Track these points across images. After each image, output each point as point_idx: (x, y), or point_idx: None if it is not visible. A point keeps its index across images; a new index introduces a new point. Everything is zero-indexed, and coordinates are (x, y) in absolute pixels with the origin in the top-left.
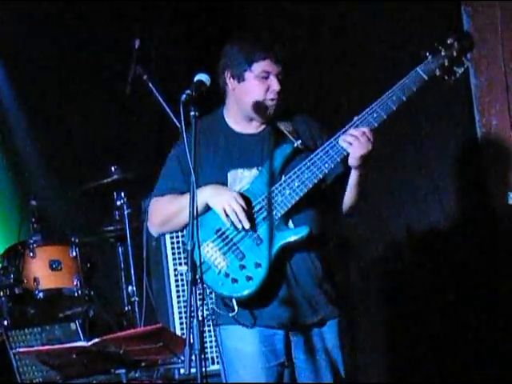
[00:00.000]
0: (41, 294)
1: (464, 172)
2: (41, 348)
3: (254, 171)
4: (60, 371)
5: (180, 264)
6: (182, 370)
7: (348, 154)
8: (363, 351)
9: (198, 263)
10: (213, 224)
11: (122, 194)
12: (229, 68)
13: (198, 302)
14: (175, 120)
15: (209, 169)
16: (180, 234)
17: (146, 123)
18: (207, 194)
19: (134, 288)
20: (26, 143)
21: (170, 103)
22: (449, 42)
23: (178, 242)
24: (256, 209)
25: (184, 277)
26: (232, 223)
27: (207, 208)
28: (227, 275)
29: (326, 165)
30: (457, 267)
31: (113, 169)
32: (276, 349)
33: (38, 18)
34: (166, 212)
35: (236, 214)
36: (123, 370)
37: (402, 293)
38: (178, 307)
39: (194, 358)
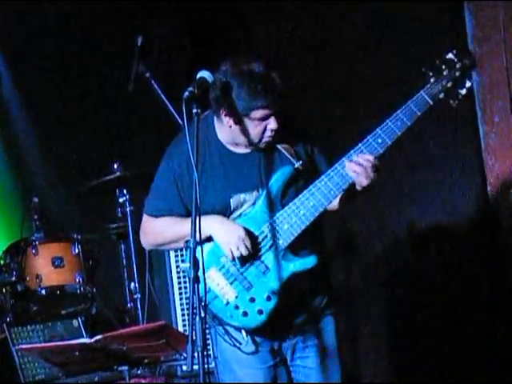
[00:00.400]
0: (43, 291)
1: (466, 170)
2: (43, 345)
3: (255, 194)
4: (62, 368)
5: (182, 261)
6: (184, 367)
7: (353, 182)
8: (364, 351)
9: (200, 261)
10: (217, 251)
11: (125, 191)
12: (224, 108)
13: (201, 299)
14: (177, 117)
15: (210, 193)
16: None
17: (148, 120)
18: (213, 228)
19: (137, 285)
20: (28, 141)
21: (173, 100)
22: (449, 57)
23: None
24: (261, 238)
25: (186, 274)
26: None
27: (211, 237)
28: (237, 307)
29: (332, 192)
30: (459, 266)
31: (115, 166)
32: (273, 349)
33: (39, 16)
34: (162, 236)
35: (241, 253)
36: (126, 367)
37: (403, 292)
38: (181, 304)
39: (196, 354)
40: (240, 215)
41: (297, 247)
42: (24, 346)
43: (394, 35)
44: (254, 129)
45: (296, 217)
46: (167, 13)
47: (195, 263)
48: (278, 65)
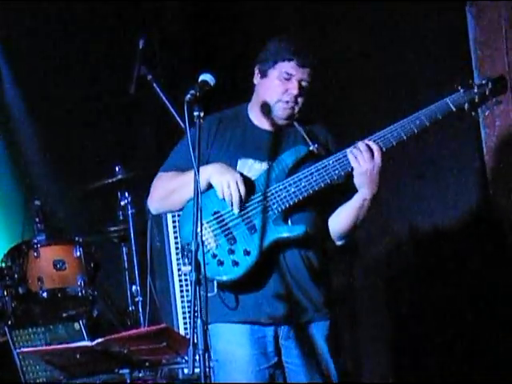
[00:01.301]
0: (45, 294)
1: (467, 172)
2: (45, 348)
3: (265, 165)
4: (64, 371)
5: (184, 264)
6: (185, 370)
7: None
8: (365, 352)
9: (202, 263)
10: (212, 206)
11: (126, 194)
12: (258, 63)
13: (202, 302)
14: (179, 120)
15: (220, 153)
16: None
17: (150, 123)
18: (211, 171)
19: (138, 288)
20: (30, 143)
21: (175, 103)
22: (483, 82)
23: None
24: (257, 199)
25: (188, 277)
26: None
27: (208, 187)
28: (214, 256)
29: (337, 171)
30: (460, 267)
31: (117, 169)
32: (267, 352)
33: (41, 18)
34: (167, 186)
35: (231, 195)
36: (127, 370)
37: (404, 293)
38: (182, 307)
39: (197, 357)
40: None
41: (286, 218)
42: (25, 349)
43: (395, 38)
44: (276, 87)
45: (296, 188)
46: (169, 15)
47: (197, 266)
48: None
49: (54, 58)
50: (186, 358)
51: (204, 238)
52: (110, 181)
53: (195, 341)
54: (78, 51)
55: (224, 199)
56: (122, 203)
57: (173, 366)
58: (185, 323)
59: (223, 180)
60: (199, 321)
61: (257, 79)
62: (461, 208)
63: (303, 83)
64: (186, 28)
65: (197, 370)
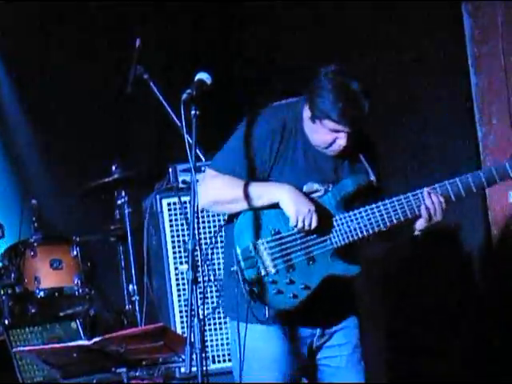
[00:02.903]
0: (41, 293)
1: (464, 172)
2: (42, 347)
3: (325, 189)
4: (61, 370)
5: (181, 263)
6: (182, 369)
7: (418, 216)
8: (365, 352)
9: (199, 262)
10: (272, 224)
11: (123, 193)
12: (309, 100)
13: (199, 301)
14: (176, 119)
15: (284, 169)
16: (181, 232)
17: (146, 122)
18: (284, 195)
19: (135, 287)
20: (26, 142)
21: (171, 102)
22: None
23: (178, 241)
24: (320, 229)
25: (185, 275)
26: (295, 232)
27: (273, 205)
28: (274, 282)
29: (397, 216)
30: (458, 268)
31: (114, 168)
32: (300, 352)
33: (37, 19)
34: (224, 194)
35: (305, 228)
36: (124, 369)
37: (402, 294)
38: (179, 306)
39: (194, 356)
40: None
41: (342, 253)
42: (22, 348)
43: (392, 36)
44: (324, 135)
45: (357, 225)
46: (166, 14)
47: (194, 265)
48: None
49: (51, 56)
50: (183, 356)
51: (263, 258)
52: (106, 180)
53: (192, 340)
54: (74, 49)
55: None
56: (119, 202)
57: (170, 365)
58: (182, 322)
59: (300, 211)
60: (196, 319)
61: (306, 113)
62: (457, 209)
63: (350, 134)
64: (184, 27)
65: (194, 369)
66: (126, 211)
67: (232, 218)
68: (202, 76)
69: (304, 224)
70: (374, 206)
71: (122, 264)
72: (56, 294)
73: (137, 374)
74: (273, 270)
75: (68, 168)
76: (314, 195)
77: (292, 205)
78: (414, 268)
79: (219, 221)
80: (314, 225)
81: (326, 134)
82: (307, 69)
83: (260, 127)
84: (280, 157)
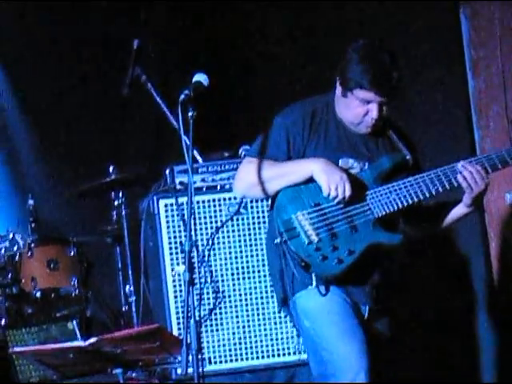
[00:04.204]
0: (38, 294)
1: None
2: (38, 347)
3: (363, 166)
4: (57, 371)
5: (177, 264)
6: (179, 370)
7: (456, 186)
8: None
9: (195, 264)
10: (312, 198)
11: (120, 194)
12: (339, 76)
13: (196, 302)
14: (173, 120)
15: (317, 149)
16: (178, 234)
17: (144, 123)
18: (316, 167)
19: (132, 288)
20: (23, 142)
21: (168, 103)
22: None
23: (175, 243)
24: (359, 200)
25: (181, 277)
26: (335, 204)
27: (308, 180)
28: (318, 249)
29: (436, 187)
30: (453, 270)
31: (111, 169)
32: (358, 308)
33: (35, 18)
34: (257, 175)
35: (339, 195)
36: (120, 370)
37: (399, 295)
38: (176, 307)
39: (191, 358)
40: None
41: (383, 223)
42: (19, 349)
43: (390, 40)
44: (355, 109)
45: (396, 196)
46: (163, 16)
47: (190, 266)
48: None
49: (48, 58)
50: (179, 358)
51: (305, 228)
52: (103, 181)
53: (188, 341)
54: (71, 51)
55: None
56: (116, 203)
57: (166, 366)
58: (178, 323)
59: (331, 179)
60: (192, 321)
61: (338, 90)
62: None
63: (383, 105)
64: (181, 28)
65: (190, 370)
66: (123, 212)
67: (273, 205)
68: (200, 77)
69: (337, 192)
70: (411, 178)
71: (119, 265)
72: (52, 294)
73: (133, 374)
74: (316, 238)
75: (65, 169)
76: (352, 171)
77: (323, 174)
78: (410, 271)
79: (216, 222)
80: (347, 192)
81: (358, 107)
82: (308, 71)
83: (291, 114)
84: (313, 139)
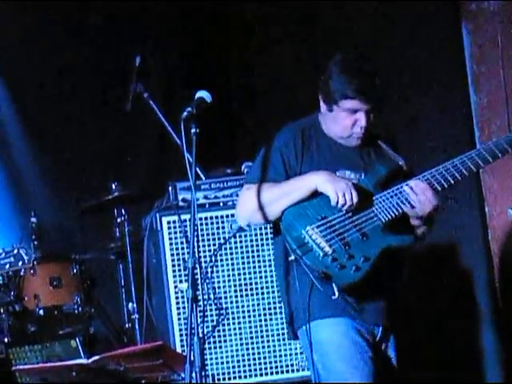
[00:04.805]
0: (41, 311)
1: (463, 188)
2: (41, 365)
3: (359, 176)
4: None
5: (180, 281)
6: None
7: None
8: None
9: (199, 281)
10: (317, 212)
11: (123, 211)
12: (322, 93)
13: (199, 320)
14: (176, 137)
15: (312, 165)
16: (180, 251)
17: (146, 140)
18: (321, 179)
19: (135, 305)
20: (26, 160)
21: (171, 121)
22: None
23: (178, 260)
24: (364, 207)
25: (184, 294)
26: (339, 210)
27: (312, 195)
28: (334, 260)
29: (434, 187)
30: (456, 285)
31: (113, 186)
32: (368, 342)
33: (37, 33)
34: (258, 199)
35: (347, 202)
36: None
37: (400, 313)
38: (179, 324)
39: (194, 375)
40: None
41: (392, 227)
42: (22, 367)
43: (391, 55)
44: (343, 120)
45: (398, 200)
46: (166, 32)
47: (193, 283)
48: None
49: (50, 73)
50: (183, 375)
51: (317, 241)
52: (106, 198)
53: (192, 358)
54: (73, 68)
55: (335, 206)
56: (119, 220)
57: None
58: (181, 340)
59: (338, 187)
60: (196, 338)
61: (322, 107)
62: (458, 227)
63: (369, 113)
64: (183, 45)
65: None
66: (126, 229)
67: (277, 231)
68: (202, 94)
69: (345, 199)
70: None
71: (122, 282)
72: (55, 312)
73: None
74: (330, 250)
75: (68, 186)
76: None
77: (329, 183)
78: (413, 286)
79: (219, 239)
80: (355, 198)
81: (345, 118)
82: (312, 90)
83: (282, 137)
84: (306, 157)
